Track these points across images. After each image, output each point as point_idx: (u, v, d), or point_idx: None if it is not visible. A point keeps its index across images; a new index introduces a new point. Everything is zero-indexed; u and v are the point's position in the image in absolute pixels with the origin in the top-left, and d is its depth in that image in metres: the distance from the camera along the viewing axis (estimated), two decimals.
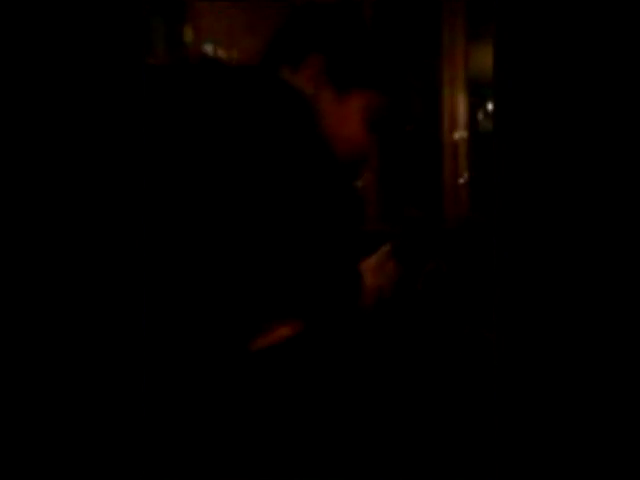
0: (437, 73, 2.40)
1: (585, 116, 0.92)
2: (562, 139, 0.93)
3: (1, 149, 0.91)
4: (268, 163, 1.02)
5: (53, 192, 0.94)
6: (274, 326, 1.15)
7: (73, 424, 0.93)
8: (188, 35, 2.25)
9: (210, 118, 1.05)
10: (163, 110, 1.07)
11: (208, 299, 1.08)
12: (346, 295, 1.16)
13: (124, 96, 0.97)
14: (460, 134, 2.32)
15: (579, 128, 0.93)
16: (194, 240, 1.03)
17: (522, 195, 0.95)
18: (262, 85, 1.08)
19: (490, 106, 2.36)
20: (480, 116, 2.37)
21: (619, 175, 0.90)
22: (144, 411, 0.94)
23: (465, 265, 1.63)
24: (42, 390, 0.92)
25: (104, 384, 0.93)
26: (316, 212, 1.07)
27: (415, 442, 1.33)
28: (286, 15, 1.17)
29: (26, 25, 0.94)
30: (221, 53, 2.29)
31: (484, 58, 2.34)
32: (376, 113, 1.24)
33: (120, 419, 0.93)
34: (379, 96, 1.21)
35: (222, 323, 1.08)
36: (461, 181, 2.25)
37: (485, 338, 1.48)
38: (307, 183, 1.05)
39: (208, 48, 2.27)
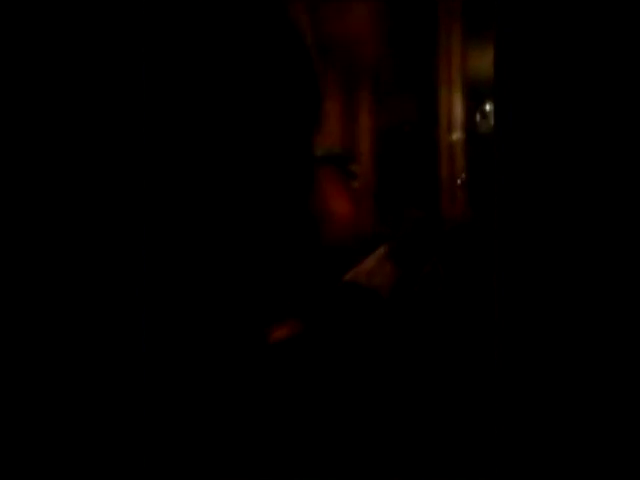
0: (434, 74, 2.41)
1: (585, 116, 0.92)
2: (563, 139, 0.93)
3: (0, 148, 0.92)
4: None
5: (53, 191, 0.94)
6: (272, 327, 1.15)
7: (73, 424, 0.93)
8: None
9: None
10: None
11: (207, 298, 1.08)
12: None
13: (124, 96, 0.96)
14: (457, 135, 2.33)
15: (579, 128, 0.93)
16: (191, 235, 1.03)
17: (522, 195, 0.95)
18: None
19: (487, 107, 2.37)
20: (477, 117, 2.38)
21: (619, 175, 0.90)
22: (144, 410, 0.93)
23: (462, 266, 1.63)
24: (43, 389, 0.92)
25: (104, 384, 0.93)
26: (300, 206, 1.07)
27: (413, 442, 1.33)
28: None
29: (26, 25, 0.94)
30: None
31: (481, 59, 2.35)
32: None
33: (120, 418, 0.92)
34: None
35: (222, 322, 1.08)
36: (458, 182, 2.26)
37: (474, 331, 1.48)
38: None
39: None
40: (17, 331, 0.89)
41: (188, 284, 1.17)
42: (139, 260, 0.95)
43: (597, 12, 0.90)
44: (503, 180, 0.94)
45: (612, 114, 0.90)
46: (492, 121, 2.31)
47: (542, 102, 0.93)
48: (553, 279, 0.92)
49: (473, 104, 2.39)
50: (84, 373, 0.92)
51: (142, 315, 0.94)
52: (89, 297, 0.93)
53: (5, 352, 0.89)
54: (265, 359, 1.16)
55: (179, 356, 1.15)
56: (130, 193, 0.97)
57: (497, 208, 0.94)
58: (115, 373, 0.92)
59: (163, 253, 1.13)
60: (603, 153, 0.90)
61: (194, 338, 1.15)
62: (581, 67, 0.91)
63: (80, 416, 0.92)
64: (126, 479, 0.90)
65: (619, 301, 0.89)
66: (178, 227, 1.14)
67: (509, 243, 0.93)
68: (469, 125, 2.38)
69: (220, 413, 1.10)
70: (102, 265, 0.93)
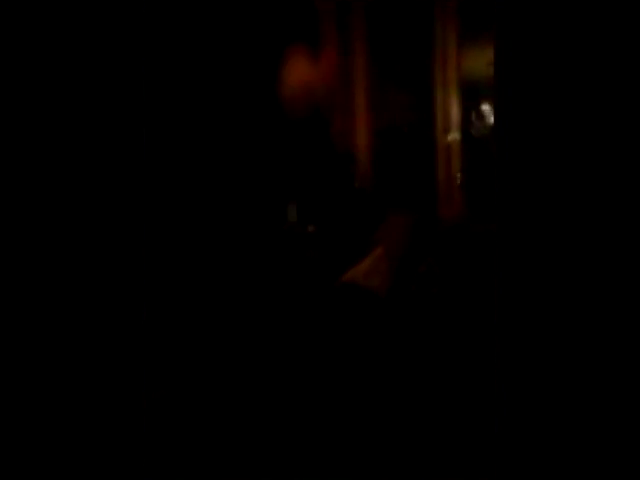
0: (430, 74, 2.41)
1: (585, 116, 0.92)
2: (562, 139, 0.93)
3: (1, 148, 0.91)
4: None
5: (52, 191, 0.94)
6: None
7: (74, 420, 0.92)
8: None
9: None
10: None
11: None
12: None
13: (124, 96, 0.97)
14: (453, 136, 2.33)
15: (579, 128, 0.92)
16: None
17: (522, 195, 0.94)
18: None
19: (483, 107, 2.37)
20: (473, 117, 2.37)
21: (618, 175, 0.90)
22: (145, 408, 0.93)
23: (459, 266, 1.64)
24: (43, 388, 0.91)
25: (105, 378, 0.92)
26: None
27: (413, 442, 1.34)
28: None
29: (28, 26, 0.93)
30: None
31: (477, 59, 2.35)
32: None
33: (122, 413, 0.92)
34: None
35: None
36: (455, 182, 2.25)
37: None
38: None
39: None
40: (18, 331, 0.89)
41: (187, 282, 1.17)
42: (139, 261, 0.95)
43: (596, 13, 0.90)
44: (502, 180, 0.94)
45: (611, 114, 0.90)
46: (488, 121, 2.32)
47: (542, 102, 0.93)
48: (552, 278, 0.92)
49: (470, 104, 2.39)
50: (86, 371, 0.91)
51: (142, 317, 0.94)
52: (91, 297, 0.92)
53: (7, 351, 0.89)
54: (265, 357, 1.17)
55: (178, 355, 1.14)
56: (130, 193, 0.97)
57: (496, 207, 0.95)
58: (116, 372, 0.92)
59: (163, 251, 1.13)
60: (603, 152, 0.90)
61: (193, 337, 1.15)
62: (581, 66, 0.91)
63: (81, 412, 0.91)
64: (127, 476, 0.90)
65: (618, 303, 0.89)
66: (176, 218, 1.15)
67: (508, 242, 0.93)
68: (465, 125, 2.38)
69: (220, 411, 1.10)
70: (103, 267, 0.93)
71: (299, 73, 1.21)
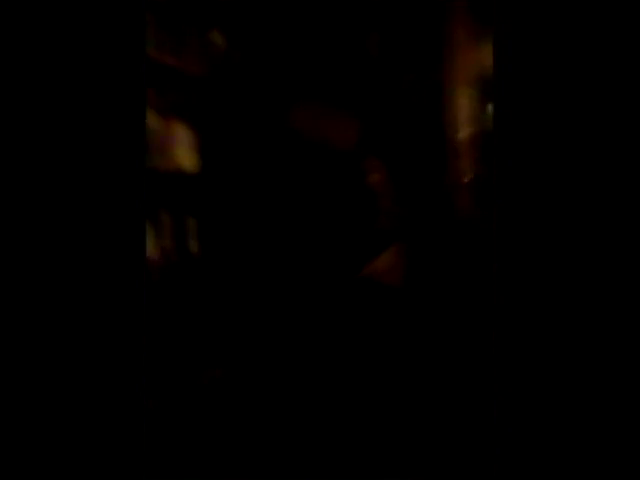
0: (440, 70, 2.41)
1: (584, 115, 0.94)
2: (562, 138, 0.94)
3: (1, 148, 0.93)
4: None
5: (51, 192, 0.94)
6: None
7: (74, 420, 0.90)
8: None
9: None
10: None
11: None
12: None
13: (124, 96, 0.97)
14: (464, 132, 2.34)
15: (578, 127, 0.94)
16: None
17: (522, 193, 0.96)
18: None
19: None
20: (485, 114, 2.38)
21: (618, 174, 0.92)
22: (145, 408, 0.95)
23: (470, 262, 1.66)
24: (44, 388, 0.89)
25: (105, 377, 0.91)
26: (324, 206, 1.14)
27: (414, 440, 1.37)
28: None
29: (28, 25, 0.94)
30: None
31: (488, 55, 2.35)
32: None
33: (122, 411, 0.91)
34: None
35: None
36: (466, 180, 2.26)
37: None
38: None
39: None
40: (19, 332, 0.92)
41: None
42: (140, 261, 0.96)
43: (596, 12, 0.92)
44: (502, 178, 0.97)
45: (610, 113, 0.92)
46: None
47: (541, 100, 0.95)
48: (554, 277, 0.94)
49: (482, 100, 2.39)
50: (86, 371, 0.90)
51: (143, 318, 0.96)
52: (94, 299, 0.92)
53: (7, 352, 0.92)
54: (279, 351, 1.21)
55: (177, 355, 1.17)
56: (132, 200, 0.98)
57: (496, 206, 0.97)
58: (116, 373, 0.91)
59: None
60: (603, 152, 0.93)
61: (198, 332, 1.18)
62: (581, 65, 0.94)
63: (82, 412, 0.90)
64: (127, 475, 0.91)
65: (617, 303, 0.91)
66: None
67: (508, 240, 0.96)
68: (478, 122, 2.39)
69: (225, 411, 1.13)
70: (104, 266, 0.94)
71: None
